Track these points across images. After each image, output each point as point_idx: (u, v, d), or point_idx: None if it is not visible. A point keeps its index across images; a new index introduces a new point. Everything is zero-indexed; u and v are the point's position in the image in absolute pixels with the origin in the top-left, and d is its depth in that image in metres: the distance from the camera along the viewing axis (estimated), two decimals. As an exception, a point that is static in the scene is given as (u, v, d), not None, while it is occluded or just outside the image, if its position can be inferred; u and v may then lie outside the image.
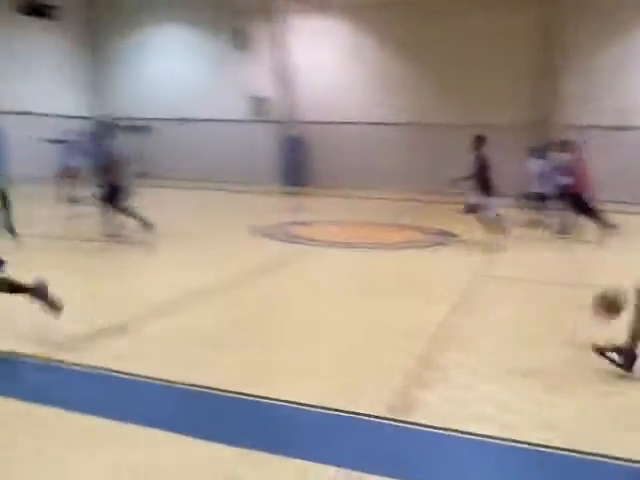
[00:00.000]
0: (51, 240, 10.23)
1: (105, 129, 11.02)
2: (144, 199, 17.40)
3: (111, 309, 6.17)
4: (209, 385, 4.23)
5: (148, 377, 4.36)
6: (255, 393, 4.11)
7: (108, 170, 10.20)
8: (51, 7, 23.33)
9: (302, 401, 3.99)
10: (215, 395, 4.12)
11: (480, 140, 10.44)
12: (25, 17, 22.40)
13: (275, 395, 4.06)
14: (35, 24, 22.85)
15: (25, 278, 5.08)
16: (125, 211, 10.19)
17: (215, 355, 4.90)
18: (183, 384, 4.22)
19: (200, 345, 5.12)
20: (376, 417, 3.82)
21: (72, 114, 24.58)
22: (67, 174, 15.08)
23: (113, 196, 10.09)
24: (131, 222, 10.17)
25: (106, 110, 25.92)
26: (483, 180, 10.32)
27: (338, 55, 22.71)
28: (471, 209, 10.70)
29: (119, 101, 25.62)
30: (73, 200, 14.41)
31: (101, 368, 4.49)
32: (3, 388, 4.09)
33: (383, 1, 21.07)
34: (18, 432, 3.52)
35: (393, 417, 3.82)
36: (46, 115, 22.97)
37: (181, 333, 5.43)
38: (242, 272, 7.98)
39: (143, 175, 24.95)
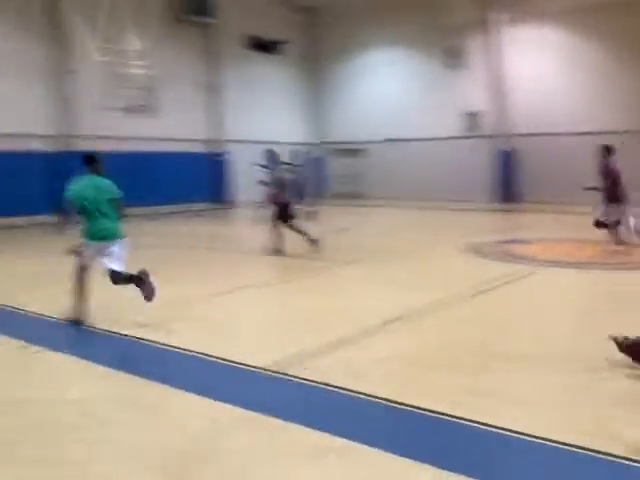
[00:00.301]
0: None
1: (273, 157, 12.12)
2: (356, 218, 18.13)
3: (329, 326, 6.32)
4: (423, 406, 4.10)
5: (368, 395, 4.34)
6: (475, 419, 3.88)
7: (279, 191, 11.32)
8: (277, 43, 25.36)
9: (522, 430, 3.68)
10: (430, 417, 3.97)
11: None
12: (255, 53, 24.58)
13: (499, 423, 3.79)
14: (263, 58, 24.92)
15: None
16: (292, 227, 11.15)
17: (433, 376, 4.75)
18: (402, 404, 4.14)
19: (417, 365, 5.00)
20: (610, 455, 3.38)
21: (294, 141, 26.27)
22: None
23: (282, 214, 11.06)
24: (300, 237, 11.05)
25: (323, 135, 27.32)
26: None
27: (553, 62, 21.51)
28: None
29: (335, 126, 26.81)
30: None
31: (324, 384, 4.58)
32: (232, 397, 4.34)
33: (599, 3, 19.56)
34: (243, 438, 3.69)
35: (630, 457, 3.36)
36: (273, 142, 24.78)
37: (400, 353, 5.37)
38: (458, 292, 7.74)
39: (357, 196, 25.83)
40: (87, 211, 6.31)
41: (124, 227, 6.53)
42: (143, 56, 16.53)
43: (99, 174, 6.60)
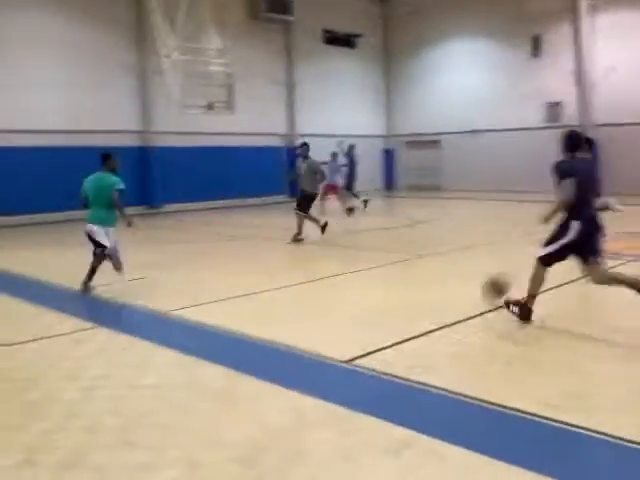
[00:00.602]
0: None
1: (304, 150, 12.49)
2: (432, 210, 17.90)
3: (408, 319, 6.27)
4: (510, 405, 4.00)
5: (449, 390, 4.29)
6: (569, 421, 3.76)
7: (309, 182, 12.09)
8: (352, 36, 25.36)
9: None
10: (518, 417, 3.88)
11: None
12: (330, 47, 24.67)
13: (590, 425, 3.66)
14: (338, 52, 24.97)
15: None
16: (308, 216, 11.81)
17: (520, 375, 4.64)
18: (484, 401, 4.07)
19: (499, 363, 4.89)
20: None
21: (366, 133, 26.20)
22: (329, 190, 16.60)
23: (304, 203, 11.85)
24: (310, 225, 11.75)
25: (398, 128, 27.11)
26: None
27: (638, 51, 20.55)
28: None
29: (410, 118, 26.52)
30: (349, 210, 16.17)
31: (404, 378, 4.56)
32: (313, 389, 4.39)
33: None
34: (325, 432, 3.72)
35: None
36: (346, 136, 24.82)
37: (481, 349, 5.28)
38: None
39: (433, 188, 25.51)
40: (89, 201, 7.73)
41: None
42: (222, 54, 16.84)
43: (112, 170, 7.82)
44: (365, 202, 17.53)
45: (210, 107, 16.99)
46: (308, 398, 4.18)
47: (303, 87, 23.58)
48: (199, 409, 4.06)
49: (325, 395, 4.20)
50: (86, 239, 7.63)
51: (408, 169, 26.99)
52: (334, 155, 17.71)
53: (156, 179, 19.20)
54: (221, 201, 19.58)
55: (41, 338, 5.72)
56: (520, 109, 22.99)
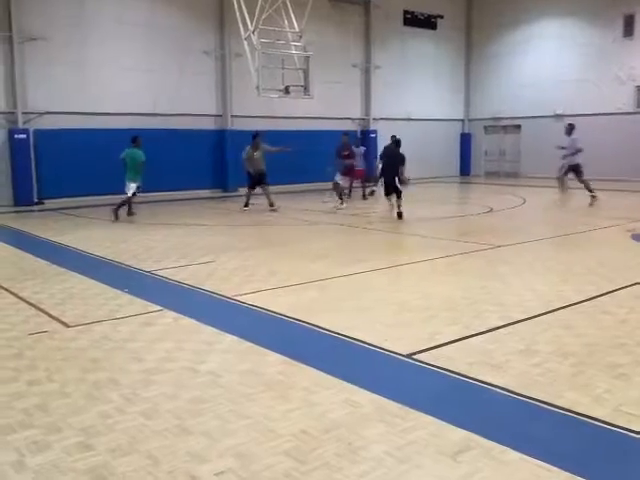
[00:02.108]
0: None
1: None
2: (508, 198, 17.30)
3: (475, 313, 6.06)
4: (579, 411, 3.77)
5: (511, 391, 4.10)
6: None
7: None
8: (432, 17, 24.77)
9: None
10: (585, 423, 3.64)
11: None
12: (409, 29, 24.20)
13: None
14: (417, 34, 24.47)
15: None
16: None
17: (590, 378, 4.37)
18: (549, 404, 3.86)
19: (568, 364, 4.63)
20: None
21: (446, 117, 25.63)
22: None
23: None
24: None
25: (477, 111, 26.35)
26: None
27: None
28: None
29: (490, 101, 25.72)
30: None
31: (466, 376, 4.41)
32: (372, 383, 4.28)
33: None
34: (381, 428, 3.62)
35: None
36: (422, 120, 24.38)
37: (545, 347, 5.03)
38: (621, 284, 7.12)
39: (511, 174, 24.70)
40: (127, 167, 12.99)
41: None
42: (300, 37, 16.77)
43: (137, 147, 13.17)
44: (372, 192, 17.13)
45: (286, 91, 16.96)
46: (364, 392, 4.09)
47: (380, 70, 23.29)
48: (255, 398, 4.03)
49: (382, 390, 4.10)
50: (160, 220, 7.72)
51: (486, 155, 26.25)
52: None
53: (231, 163, 19.45)
54: (296, 185, 19.61)
55: (110, 319, 5.87)
56: (609, 93, 21.91)
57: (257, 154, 14.73)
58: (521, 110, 24.22)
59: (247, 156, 14.83)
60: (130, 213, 13.49)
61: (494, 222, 13.05)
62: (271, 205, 14.69)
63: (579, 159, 15.22)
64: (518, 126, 24.93)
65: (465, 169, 26.44)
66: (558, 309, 6.07)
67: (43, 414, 3.82)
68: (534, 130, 24.15)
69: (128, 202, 13.33)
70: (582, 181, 15.23)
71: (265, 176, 14.86)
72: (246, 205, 14.89)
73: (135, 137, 13.23)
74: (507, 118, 24.96)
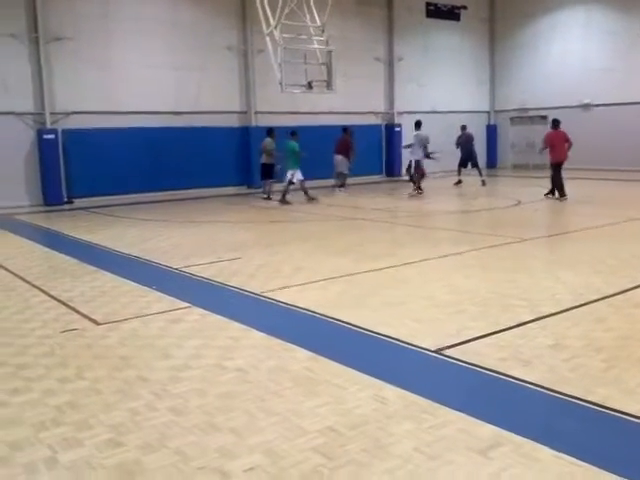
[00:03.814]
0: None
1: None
2: (535, 190, 17.07)
3: (504, 308, 5.99)
4: (609, 405, 3.71)
5: (538, 385, 4.05)
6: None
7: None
8: (456, 8, 24.51)
9: None
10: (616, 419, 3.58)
11: None
12: (433, 20, 23.98)
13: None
14: (440, 26, 24.24)
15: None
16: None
17: (626, 373, 4.29)
18: (580, 399, 3.79)
19: (600, 359, 4.56)
20: None
21: (471, 109, 25.36)
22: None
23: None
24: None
25: (502, 103, 26.04)
26: None
27: None
28: None
29: (516, 92, 25.40)
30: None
31: (494, 371, 4.36)
32: (400, 379, 4.25)
33: None
34: (409, 425, 3.59)
35: None
36: (446, 112, 24.17)
37: (576, 341, 4.94)
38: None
39: (538, 167, 24.34)
40: (286, 158, 15.41)
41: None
42: (322, 31, 16.72)
43: (295, 140, 15.39)
44: None
45: (309, 86, 16.93)
46: (392, 387, 4.07)
47: (403, 63, 23.12)
48: (282, 394, 4.04)
49: (410, 385, 4.08)
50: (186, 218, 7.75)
51: (512, 146, 25.93)
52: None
53: (255, 159, 19.47)
54: (321, 180, 19.52)
55: (139, 316, 5.93)
56: (637, 82, 21.44)
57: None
58: (547, 100, 23.85)
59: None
60: (284, 201, 15.19)
61: (522, 215, 12.90)
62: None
63: (420, 155, 16.28)
64: (545, 117, 24.54)
65: (492, 161, 26.12)
66: (588, 302, 5.98)
67: (74, 411, 3.88)
68: (561, 120, 23.75)
69: (305, 189, 15.45)
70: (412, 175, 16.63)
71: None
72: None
73: (293, 132, 15.69)
74: (533, 109, 24.62)
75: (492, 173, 24.43)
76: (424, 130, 17.25)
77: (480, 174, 18.29)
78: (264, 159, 16.51)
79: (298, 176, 15.35)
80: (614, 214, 11.91)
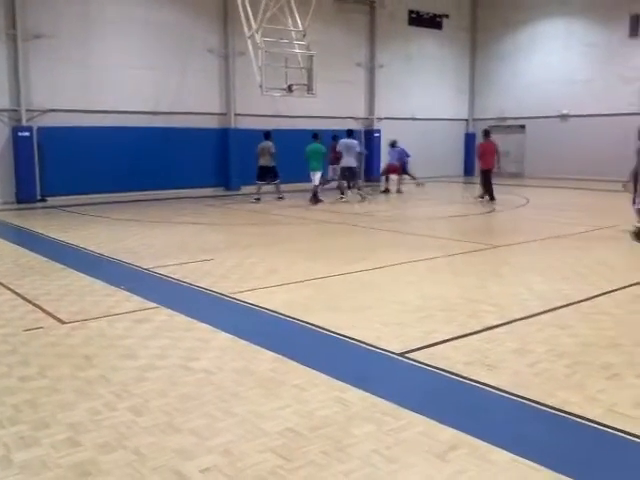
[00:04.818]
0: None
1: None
2: (513, 198, 17.23)
3: (472, 313, 6.03)
4: (569, 410, 3.73)
5: (503, 390, 4.07)
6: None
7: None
8: (437, 16, 24.70)
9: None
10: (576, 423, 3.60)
11: None
12: (414, 28, 24.14)
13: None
14: (422, 34, 24.41)
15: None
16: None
17: (587, 378, 4.32)
18: (541, 404, 3.81)
19: (563, 363, 4.58)
20: None
21: (450, 117, 25.56)
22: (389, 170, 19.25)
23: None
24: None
25: (481, 111, 26.28)
26: None
27: None
28: None
29: (495, 101, 25.65)
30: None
31: (457, 374, 4.38)
32: (363, 381, 4.25)
33: None
34: (370, 427, 3.58)
35: None
36: (426, 119, 24.33)
37: (541, 346, 4.98)
38: (620, 285, 7.07)
39: (516, 175, 24.61)
40: (310, 159, 16.07)
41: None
42: (303, 35, 16.75)
43: (318, 142, 16.07)
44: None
45: (289, 89, 16.94)
46: (355, 390, 4.06)
47: (384, 69, 23.25)
48: (245, 396, 4.01)
49: (374, 388, 4.08)
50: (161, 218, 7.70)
51: (490, 155, 26.13)
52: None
53: (234, 161, 19.44)
54: (298, 184, 19.52)
55: (106, 316, 5.86)
56: (615, 94, 21.81)
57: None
58: (526, 110, 24.15)
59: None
60: (316, 201, 15.70)
61: (496, 222, 13.02)
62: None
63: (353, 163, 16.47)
64: (523, 126, 24.85)
65: (469, 169, 26.32)
66: (556, 309, 6.04)
67: (32, 410, 3.82)
68: (539, 130, 24.07)
69: (316, 190, 15.85)
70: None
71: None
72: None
73: (315, 134, 16.46)
74: (512, 118, 24.89)
75: (468, 180, 24.62)
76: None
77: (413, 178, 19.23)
78: (263, 161, 16.55)
79: (317, 177, 15.87)
80: (587, 223, 12.06)
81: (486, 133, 16.12)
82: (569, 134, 23.09)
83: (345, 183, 16.73)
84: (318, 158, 15.92)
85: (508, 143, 25.31)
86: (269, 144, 16.58)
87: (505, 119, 25.20)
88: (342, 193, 16.58)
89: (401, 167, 18.83)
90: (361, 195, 16.48)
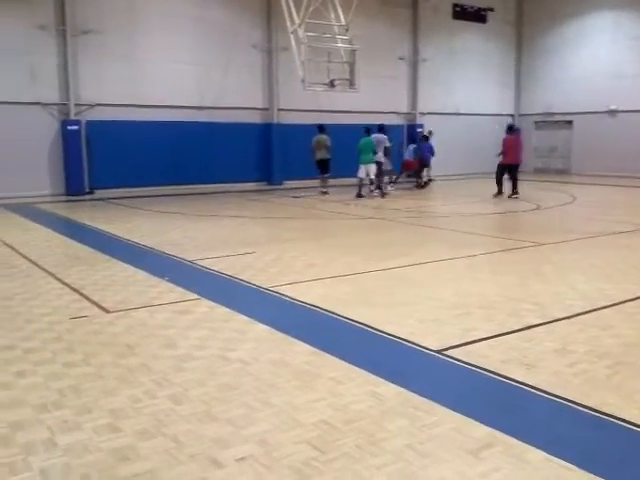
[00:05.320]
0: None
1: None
2: (560, 195, 16.89)
3: (512, 311, 5.96)
4: (608, 412, 3.67)
5: (538, 388, 4.04)
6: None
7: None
8: (483, 10, 24.34)
9: None
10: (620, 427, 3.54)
11: None
12: (459, 22, 23.86)
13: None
14: (466, 28, 24.11)
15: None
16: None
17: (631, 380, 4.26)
18: (579, 405, 3.77)
19: (606, 363, 4.53)
20: None
21: (495, 112, 25.17)
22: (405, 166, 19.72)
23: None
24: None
25: (527, 107, 25.81)
26: None
27: None
28: None
29: (541, 96, 25.17)
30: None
31: (495, 372, 4.35)
32: (399, 377, 4.27)
33: None
34: (404, 422, 3.60)
35: None
36: (470, 115, 24.02)
37: (582, 347, 4.91)
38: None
39: (562, 172, 24.12)
40: (361, 152, 16.12)
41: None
42: (346, 30, 16.74)
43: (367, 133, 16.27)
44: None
45: (332, 84, 16.97)
46: (391, 385, 4.08)
47: (428, 64, 23.05)
48: (281, 387, 4.07)
49: (409, 384, 4.08)
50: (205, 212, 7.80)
51: (535, 150, 25.70)
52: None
53: (276, 156, 19.57)
54: (341, 179, 19.52)
55: (148, 306, 6.00)
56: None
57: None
58: (573, 106, 23.65)
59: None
60: (360, 195, 15.98)
61: (539, 220, 12.79)
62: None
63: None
64: (570, 122, 24.34)
65: (514, 165, 25.91)
66: (599, 309, 5.93)
67: (76, 395, 3.95)
68: (587, 126, 23.54)
69: (361, 184, 16.08)
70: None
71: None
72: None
73: (368, 128, 16.37)
74: (559, 113, 24.41)
75: (514, 177, 24.19)
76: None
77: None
78: (320, 155, 16.93)
79: (373, 170, 16.00)
80: (634, 221, 11.77)
81: (510, 128, 16.26)
82: (617, 130, 22.54)
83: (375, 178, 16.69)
84: (369, 151, 15.91)
85: (555, 139, 24.87)
86: (324, 137, 16.81)
87: (552, 114, 24.73)
88: (375, 188, 16.56)
89: (419, 162, 18.93)
90: (381, 190, 16.49)
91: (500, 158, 16.07)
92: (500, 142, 16.27)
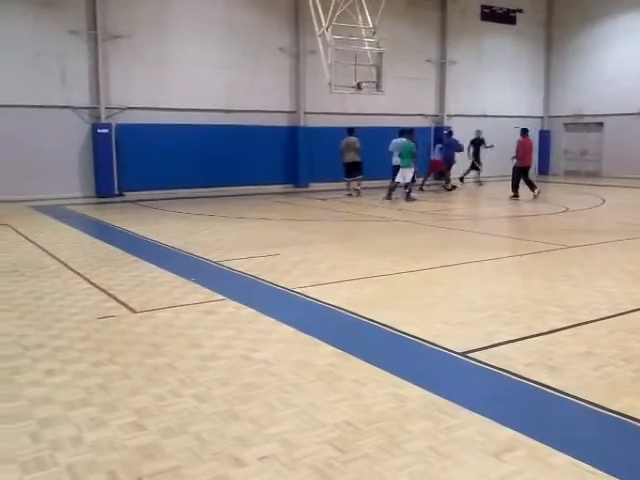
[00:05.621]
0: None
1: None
2: (590, 198, 16.64)
3: (538, 314, 5.91)
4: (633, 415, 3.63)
5: (563, 392, 4.00)
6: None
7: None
8: (512, 11, 24.14)
9: None
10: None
11: None
12: (487, 24, 23.68)
13: None
14: (495, 29, 23.92)
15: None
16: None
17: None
18: (606, 409, 3.72)
19: (633, 367, 4.46)
20: None
21: (524, 114, 24.92)
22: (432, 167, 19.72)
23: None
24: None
25: (557, 108, 25.50)
26: None
27: None
28: None
29: (571, 98, 24.85)
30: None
31: (518, 375, 4.32)
32: (422, 379, 4.26)
33: None
34: (427, 424, 3.59)
35: None
36: (498, 117, 23.83)
37: (608, 350, 4.84)
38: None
39: (592, 174, 23.77)
40: (401, 156, 15.89)
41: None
42: (374, 32, 16.73)
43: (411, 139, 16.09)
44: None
45: (358, 87, 16.96)
46: (414, 387, 4.07)
47: (455, 66, 22.91)
48: (304, 387, 4.09)
49: (432, 386, 4.08)
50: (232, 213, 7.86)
51: (566, 153, 25.38)
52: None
53: (303, 159, 19.62)
54: (373, 181, 19.41)
55: (174, 306, 6.08)
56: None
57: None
58: (604, 107, 23.30)
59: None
60: (389, 197, 16.00)
61: (568, 222, 12.63)
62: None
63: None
64: (600, 124, 23.99)
65: (543, 167, 25.64)
66: (626, 312, 5.84)
67: (102, 393, 4.02)
68: (618, 128, 23.18)
69: (394, 187, 16.06)
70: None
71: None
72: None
73: (402, 131, 16.54)
74: (589, 115, 24.07)
75: (543, 180, 23.95)
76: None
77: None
78: (349, 157, 16.86)
79: (410, 175, 15.81)
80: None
81: (524, 131, 16.26)
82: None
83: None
84: (407, 155, 15.71)
85: (585, 141, 24.54)
86: (353, 139, 16.83)
87: (582, 116, 24.40)
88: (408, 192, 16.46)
89: (445, 162, 18.91)
90: (409, 194, 16.23)
91: (515, 161, 16.26)
92: (515, 145, 16.37)
